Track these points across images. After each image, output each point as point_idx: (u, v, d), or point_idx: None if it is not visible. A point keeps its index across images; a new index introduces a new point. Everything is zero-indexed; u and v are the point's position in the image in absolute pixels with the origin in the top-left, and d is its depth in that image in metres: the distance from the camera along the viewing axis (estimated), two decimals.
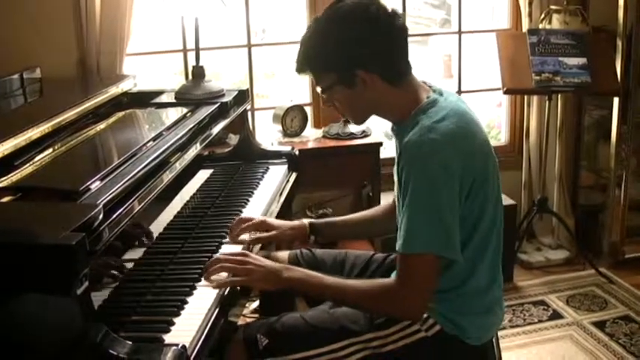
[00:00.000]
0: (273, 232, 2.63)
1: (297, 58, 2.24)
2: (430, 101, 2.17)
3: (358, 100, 2.21)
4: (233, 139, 3.36)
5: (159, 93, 3.30)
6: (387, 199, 2.76)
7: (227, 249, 2.47)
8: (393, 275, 2.20)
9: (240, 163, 3.31)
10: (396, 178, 2.22)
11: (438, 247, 2.06)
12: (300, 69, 2.25)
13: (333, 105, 2.28)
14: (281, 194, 3.09)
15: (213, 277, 2.20)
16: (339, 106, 2.27)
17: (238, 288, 2.25)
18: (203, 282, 2.21)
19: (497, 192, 2.24)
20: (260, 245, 2.61)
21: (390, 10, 2.17)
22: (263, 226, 2.64)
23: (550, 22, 4.35)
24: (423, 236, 2.05)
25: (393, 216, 2.56)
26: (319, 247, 2.80)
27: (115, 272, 2.15)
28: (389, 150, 4.14)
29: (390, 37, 2.15)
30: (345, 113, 2.35)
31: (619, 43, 4.27)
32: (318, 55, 2.19)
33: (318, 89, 2.25)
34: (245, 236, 2.56)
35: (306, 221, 2.72)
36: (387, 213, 2.65)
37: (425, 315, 2.19)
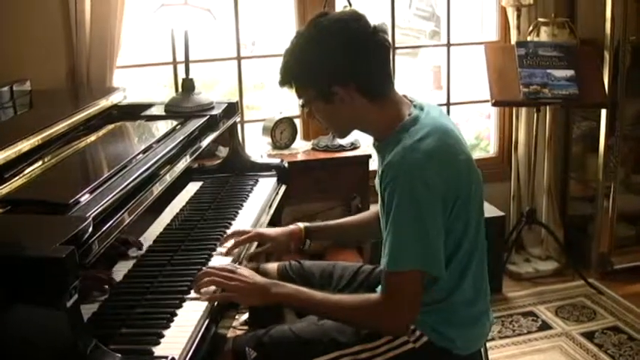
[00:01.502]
0: (269, 245, 2.64)
1: (279, 70, 2.25)
2: (412, 118, 2.17)
3: (337, 115, 2.22)
4: (222, 151, 3.36)
5: (149, 105, 3.30)
6: (376, 209, 2.78)
7: (217, 261, 2.48)
8: (379, 289, 2.21)
9: (230, 175, 3.31)
10: (379, 193, 2.22)
11: (423, 264, 2.07)
12: (282, 82, 2.26)
13: (315, 118, 2.30)
14: (270, 206, 3.10)
15: (203, 290, 2.20)
16: (321, 120, 2.29)
17: None
18: (192, 294, 2.21)
19: (480, 207, 2.25)
20: (249, 257, 2.62)
21: (371, 26, 2.16)
22: (257, 238, 2.65)
23: (538, 35, 4.38)
24: (408, 254, 2.07)
25: None
26: (308, 259, 2.81)
27: (104, 285, 2.15)
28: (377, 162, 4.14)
29: (368, 54, 2.14)
30: (327, 127, 2.37)
31: (606, 55, 4.30)
32: (298, 69, 2.20)
33: (299, 103, 2.27)
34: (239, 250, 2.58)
35: (301, 225, 2.73)
36: (378, 217, 2.67)
37: (412, 327, 2.20)
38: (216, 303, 2.20)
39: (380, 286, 2.20)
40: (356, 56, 2.13)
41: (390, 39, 2.22)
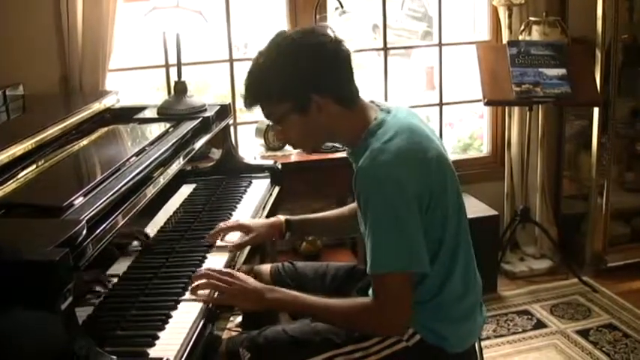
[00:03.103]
0: (252, 235, 2.66)
1: (245, 94, 2.25)
2: (378, 122, 2.20)
3: (313, 126, 2.22)
4: (216, 153, 3.37)
5: (141, 108, 3.30)
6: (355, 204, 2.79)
7: (211, 262, 2.48)
8: (371, 293, 2.22)
9: (223, 177, 3.31)
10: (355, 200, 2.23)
11: (406, 264, 2.09)
12: (251, 103, 2.25)
13: (285, 137, 2.31)
14: (264, 208, 3.10)
15: (199, 292, 2.21)
16: (293, 137, 2.29)
17: None
18: (187, 296, 2.22)
19: (457, 201, 2.26)
20: (244, 259, 2.63)
21: (333, 37, 2.20)
22: (238, 228, 2.67)
23: (530, 34, 4.39)
24: (389, 256, 2.08)
25: None
26: (303, 260, 2.82)
27: (99, 287, 2.15)
28: None
29: (338, 63, 2.18)
30: (299, 143, 2.37)
31: (598, 53, 4.31)
32: (270, 86, 2.19)
33: (270, 122, 2.27)
34: (228, 240, 2.61)
35: (282, 217, 2.75)
36: (353, 211, 2.69)
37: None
38: (211, 304, 2.20)
39: (371, 290, 2.21)
40: (328, 65, 2.17)
41: (348, 48, 2.23)
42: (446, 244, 2.19)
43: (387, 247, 2.08)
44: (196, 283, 2.23)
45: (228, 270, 2.33)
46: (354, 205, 2.71)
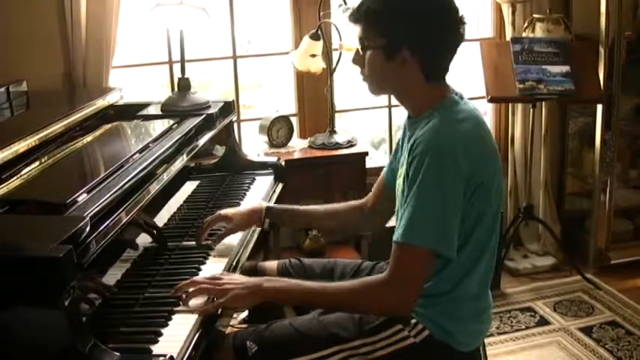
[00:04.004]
0: (231, 225, 2.66)
1: (357, 6, 2.22)
2: (453, 101, 2.21)
3: (389, 74, 2.21)
4: (219, 150, 3.37)
5: (145, 105, 3.31)
6: (354, 203, 2.77)
7: (214, 260, 2.50)
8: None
9: (227, 174, 3.32)
10: (403, 166, 2.21)
11: (437, 242, 2.07)
12: (357, 17, 2.22)
13: (361, 66, 2.28)
14: None
15: (191, 303, 2.17)
16: (367, 69, 2.26)
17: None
18: (182, 307, 2.17)
19: (499, 201, 2.26)
20: (247, 255, 2.62)
21: (460, 14, 2.20)
22: (220, 219, 2.67)
23: (533, 31, 4.38)
24: (423, 229, 2.07)
25: (357, 214, 2.66)
26: (307, 256, 2.81)
27: (102, 286, 2.16)
28: (375, 160, 4.15)
29: (450, 36, 2.19)
30: (368, 78, 2.32)
31: (601, 50, 4.30)
32: (378, 15, 2.17)
33: (359, 45, 2.25)
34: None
35: (263, 204, 2.75)
36: (351, 210, 2.69)
37: (414, 320, 2.20)
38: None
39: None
40: (441, 32, 2.17)
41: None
42: (475, 239, 2.18)
43: (424, 218, 2.07)
44: (189, 293, 2.18)
45: (216, 275, 2.30)
46: (355, 202, 2.71)
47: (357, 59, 2.28)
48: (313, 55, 3.96)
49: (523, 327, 3.93)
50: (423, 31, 2.15)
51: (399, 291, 2.11)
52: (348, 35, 3.94)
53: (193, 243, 2.62)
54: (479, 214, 2.17)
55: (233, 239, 2.66)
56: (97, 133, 2.87)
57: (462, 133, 2.12)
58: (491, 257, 2.27)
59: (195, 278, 2.28)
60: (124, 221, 2.15)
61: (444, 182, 2.06)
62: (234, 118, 3.56)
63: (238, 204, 2.98)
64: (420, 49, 2.16)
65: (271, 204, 2.77)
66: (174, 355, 1.88)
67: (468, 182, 2.09)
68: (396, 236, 2.10)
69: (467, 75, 5.01)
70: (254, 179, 3.27)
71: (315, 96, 4.30)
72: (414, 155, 2.10)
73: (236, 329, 2.57)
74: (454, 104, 2.20)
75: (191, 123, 2.99)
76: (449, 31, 2.18)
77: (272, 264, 2.75)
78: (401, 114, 4.31)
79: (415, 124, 2.22)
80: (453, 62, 2.24)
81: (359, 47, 2.25)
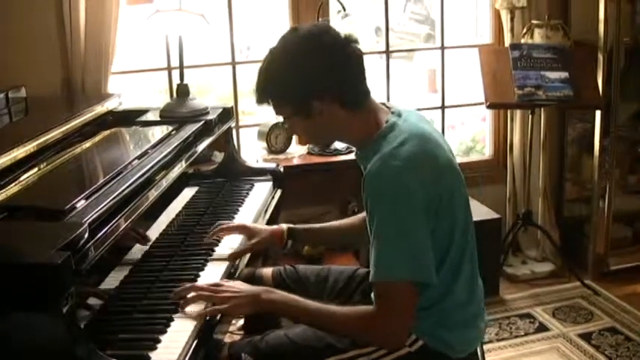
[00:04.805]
0: (254, 240, 2.65)
1: (255, 88, 2.24)
2: (389, 125, 2.18)
3: (317, 128, 2.22)
4: (218, 156, 3.37)
5: (144, 111, 3.31)
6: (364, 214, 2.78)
7: (212, 266, 2.48)
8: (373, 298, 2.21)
9: (225, 180, 3.31)
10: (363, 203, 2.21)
11: (410, 273, 2.06)
12: (260, 100, 2.25)
13: (295, 133, 2.30)
14: (266, 211, 3.10)
15: (188, 309, 2.16)
16: (300, 135, 2.29)
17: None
18: (180, 314, 2.16)
19: (466, 209, 2.25)
20: (246, 262, 2.62)
21: (343, 37, 2.17)
22: (241, 230, 2.67)
23: (532, 37, 4.39)
24: (393, 264, 2.06)
25: None
26: (304, 263, 2.81)
27: (100, 292, 2.15)
28: None
29: (344, 65, 2.15)
30: (307, 140, 2.36)
31: (600, 56, 4.30)
32: (274, 87, 2.19)
33: (279, 119, 2.27)
34: (227, 241, 2.63)
35: (284, 226, 2.73)
36: (363, 222, 2.68)
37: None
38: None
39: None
40: (331, 69, 2.13)
41: (360, 48, 2.20)
42: (453, 252, 2.17)
43: (392, 254, 2.05)
44: (186, 299, 2.17)
45: (216, 282, 2.30)
46: (363, 214, 2.70)
47: (289, 129, 2.31)
48: None
49: (522, 333, 3.93)
50: (318, 80, 2.13)
51: (388, 327, 2.11)
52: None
53: (192, 249, 2.61)
54: (450, 229, 2.16)
55: (233, 244, 2.65)
56: (96, 139, 2.87)
57: (406, 158, 2.07)
58: (472, 261, 2.26)
59: (196, 284, 2.28)
60: (123, 227, 2.15)
61: (401, 213, 2.04)
62: (233, 125, 3.56)
63: (237, 210, 2.98)
64: (327, 93, 2.14)
65: (291, 225, 2.74)
66: None
67: (427, 202, 2.07)
68: (370, 277, 2.10)
69: (465, 81, 5.02)
70: (253, 185, 3.27)
71: None
72: (367, 195, 2.11)
73: (233, 337, 2.57)
74: (391, 128, 2.16)
75: (190, 129, 2.99)
76: (341, 61, 2.15)
77: (267, 271, 2.74)
78: None
79: (363, 158, 2.21)
80: (366, 80, 2.22)
81: (282, 121, 2.28)
